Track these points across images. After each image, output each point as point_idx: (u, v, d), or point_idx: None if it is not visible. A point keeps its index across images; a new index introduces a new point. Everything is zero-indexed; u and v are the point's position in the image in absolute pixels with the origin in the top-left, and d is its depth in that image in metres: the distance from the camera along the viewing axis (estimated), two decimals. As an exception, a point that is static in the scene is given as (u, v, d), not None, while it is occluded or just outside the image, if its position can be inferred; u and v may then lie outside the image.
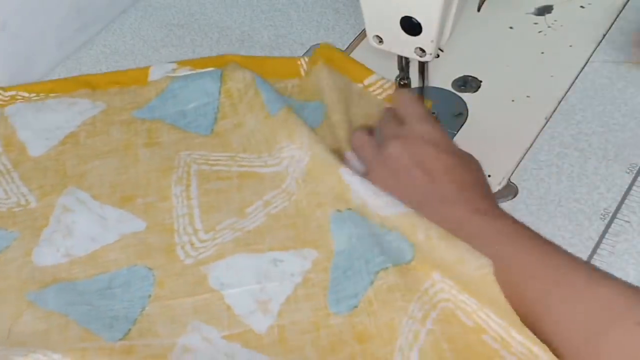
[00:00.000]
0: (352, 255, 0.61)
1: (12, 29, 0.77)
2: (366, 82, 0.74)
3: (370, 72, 0.75)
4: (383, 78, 0.74)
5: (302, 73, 0.76)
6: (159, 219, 0.67)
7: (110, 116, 0.75)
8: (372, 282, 0.59)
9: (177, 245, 0.65)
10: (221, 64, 0.77)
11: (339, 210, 0.64)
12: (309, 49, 0.81)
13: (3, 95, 0.77)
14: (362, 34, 0.81)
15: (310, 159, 0.66)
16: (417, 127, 0.65)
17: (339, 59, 0.76)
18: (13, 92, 0.77)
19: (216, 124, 0.73)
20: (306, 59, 0.77)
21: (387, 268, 0.59)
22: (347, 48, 0.81)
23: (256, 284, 0.61)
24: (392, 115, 0.68)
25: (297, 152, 0.67)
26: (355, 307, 0.59)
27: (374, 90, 0.74)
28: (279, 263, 0.63)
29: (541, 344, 0.53)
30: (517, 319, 0.54)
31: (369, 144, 0.66)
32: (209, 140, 0.72)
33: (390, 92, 0.74)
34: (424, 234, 0.59)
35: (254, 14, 0.87)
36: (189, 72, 0.77)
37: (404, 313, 0.57)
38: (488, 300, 0.56)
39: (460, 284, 0.58)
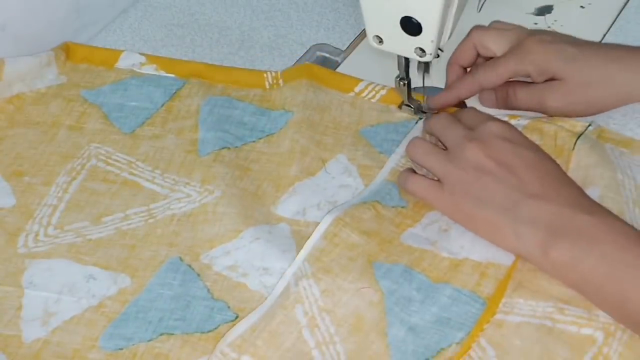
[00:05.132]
0: (154, 303, 0.61)
1: (12, 29, 0.78)
2: (357, 89, 0.75)
3: (358, 80, 0.76)
4: (372, 82, 0.75)
5: (267, 85, 0.77)
6: (29, 201, 0.68)
7: (62, 90, 0.77)
8: (150, 339, 0.59)
9: (23, 232, 0.66)
10: (188, 69, 0.78)
11: (181, 260, 0.63)
12: (309, 49, 0.82)
13: None
14: (362, 34, 0.81)
15: (199, 207, 0.67)
16: (488, 127, 0.62)
17: (323, 74, 0.76)
18: None
19: (140, 127, 0.74)
20: (272, 73, 0.77)
21: (172, 334, 0.59)
22: (347, 48, 0.81)
23: (56, 294, 0.62)
24: (455, 121, 0.64)
25: (195, 195, 0.68)
26: (121, 349, 0.59)
27: (366, 95, 0.75)
28: (91, 280, 0.63)
29: None
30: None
31: (434, 150, 0.63)
32: (124, 138, 0.73)
33: (383, 92, 0.74)
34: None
35: (254, 14, 0.87)
36: (153, 72, 0.78)
37: None
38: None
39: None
